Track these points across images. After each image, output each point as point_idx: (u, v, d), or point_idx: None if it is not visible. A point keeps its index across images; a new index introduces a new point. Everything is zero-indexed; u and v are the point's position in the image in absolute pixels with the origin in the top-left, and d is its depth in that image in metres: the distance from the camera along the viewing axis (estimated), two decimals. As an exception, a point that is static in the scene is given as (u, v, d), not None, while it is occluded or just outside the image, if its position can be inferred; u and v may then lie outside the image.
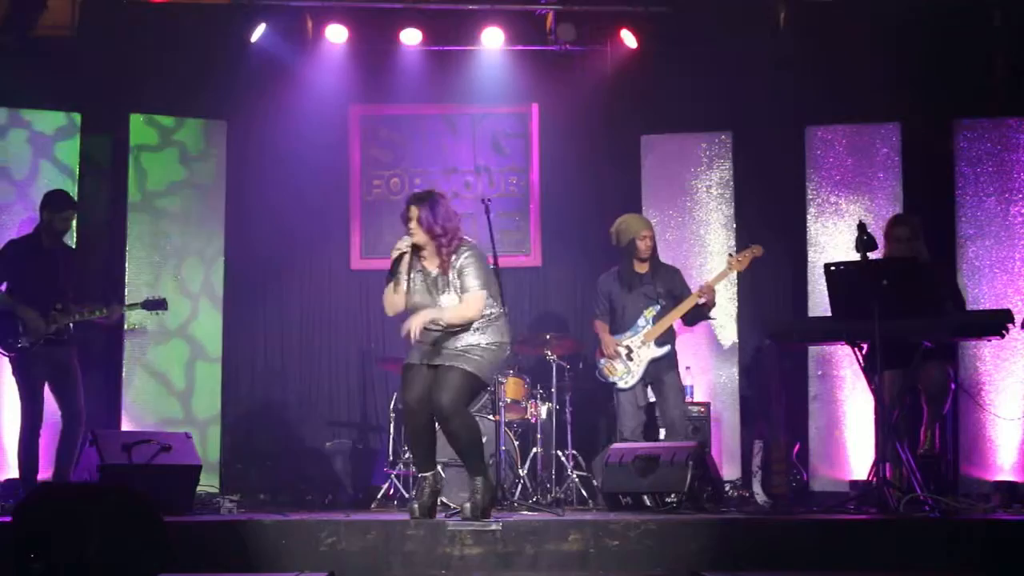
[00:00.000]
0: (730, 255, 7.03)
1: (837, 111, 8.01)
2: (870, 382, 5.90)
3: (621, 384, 6.82)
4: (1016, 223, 7.61)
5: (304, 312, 8.52)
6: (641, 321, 6.83)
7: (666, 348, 6.79)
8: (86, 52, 7.90)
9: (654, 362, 6.79)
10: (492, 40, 8.28)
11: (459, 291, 5.40)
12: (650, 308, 6.82)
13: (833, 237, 7.86)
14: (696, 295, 6.76)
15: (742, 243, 7.69)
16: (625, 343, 6.82)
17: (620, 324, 6.89)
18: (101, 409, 7.75)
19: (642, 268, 6.91)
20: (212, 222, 8.16)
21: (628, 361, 6.81)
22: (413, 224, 5.42)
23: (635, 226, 6.92)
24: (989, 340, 6.27)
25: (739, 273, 7.77)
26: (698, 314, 6.88)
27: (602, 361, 6.90)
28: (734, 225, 8.09)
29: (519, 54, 8.43)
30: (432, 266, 5.46)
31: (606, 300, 6.98)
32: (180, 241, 8.07)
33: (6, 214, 7.64)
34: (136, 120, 8.07)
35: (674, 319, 6.79)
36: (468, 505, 5.34)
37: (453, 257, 5.42)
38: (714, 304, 6.88)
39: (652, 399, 6.94)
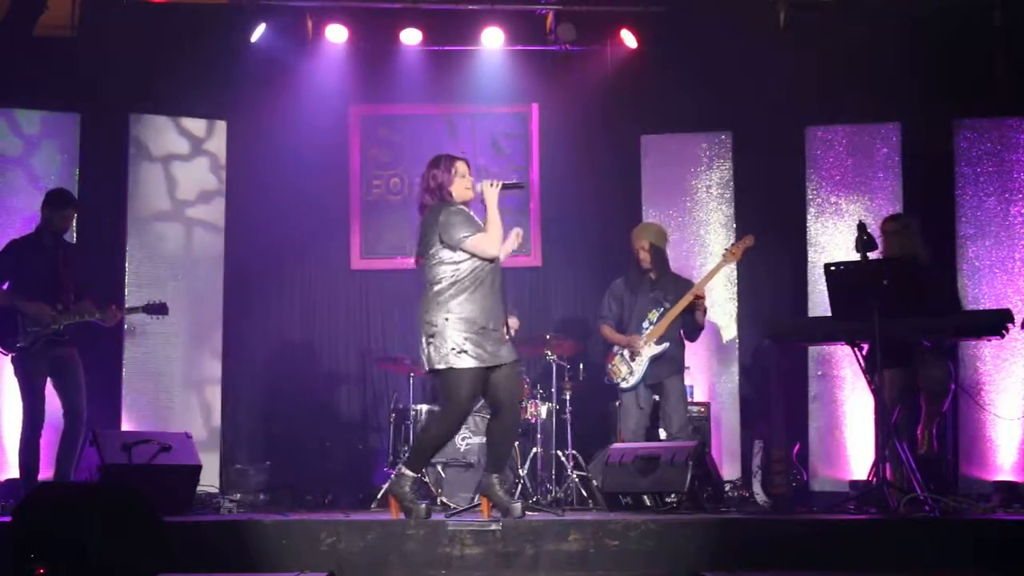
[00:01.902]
0: (726, 249, 7.06)
1: (837, 111, 8.01)
2: (870, 382, 5.90)
3: (623, 384, 6.84)
4: (1016, 223, 7.62)
5: (304, 312, 8.51)
6: (645, 323, 6.85)
7: (664, 345, 6.78)
8: (86, 52, 7.90)
9: (655, 362, 6.79)
10: (492, 40, 8.28)
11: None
12: (654, 311, 6.84)
13: (833, 237, 7.86)
14: (686, 296, 6.77)
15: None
16: (631, 343, 6.83)
17: (628, 327, 6.91)
18: (101, 409, 7.76)
19: (652, 274, 6.93)
20: (212, 223, 8.16)
21: (631, 362, 6.83)
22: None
23: (634, 236, 6.99)
24: (989, 340, 6.28)
25: (739, 273, 7.78)
26: (692, 322, 6.88)
27: (609, 365, 6.92)
28: (734, 225, 8.10)
29: (519, 54, 8.43)
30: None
31: (617, 304, 6.99)
32: (180, 243, 8.07)
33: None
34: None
35: (672, 318, 6.79)
36: (518, 505, 5.39)
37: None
38: (704, 309, 6.88)
39: (656, 398, 6.95)
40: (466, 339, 5.29)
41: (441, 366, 5.31)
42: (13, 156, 7.75)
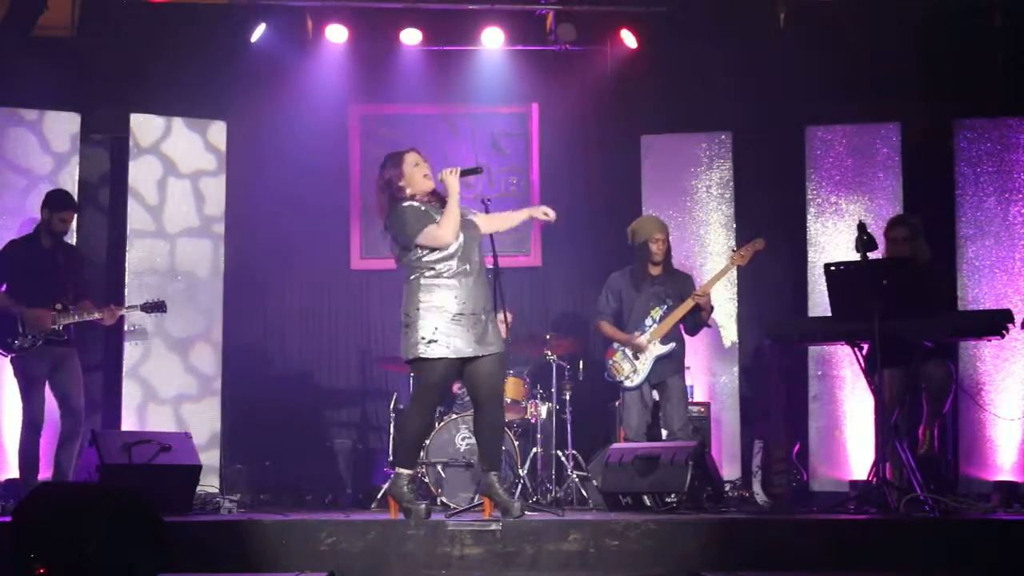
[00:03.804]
0: (732, 250, 7.06)
1: (837, 111, 8.01)
2: (870, 382, 5.91)
3: (627, 383, 6.84)
4: (1016, 223, 7.61)
5: (304, 312, 8.52)
6: (648, 320, 6.85)
7: (671, 346, 6.80)
8: (86, 52, 7.90)
9: (660, 361, 6.80)
10: (492, 40, 8.29)
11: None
12: (657, 308, 6.85)
13: (833, 237, 7.86)
14: (692, 297, 6.77)
15: (742, 243, 7.69)
16: (635, 341, 6.83)
17: (628, 323, 6.91)
18: (101, 409, 7.77)
19: (655, 270, 6.94)
20: (212, 223, 8.16)
21: (635, 360, 6.83)
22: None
23: (649, 228, 6.96)
24: (989, 340, 6.28)
25: (739, 273, 7.78)
26: (697, 320, 6.89)
27: (610, 361, 6.91)
28: (734, 225, 8.10)
29: (519, 54, 8.43)
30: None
31: (616, 299, 6.99)
32: (181, 242, 8.07)
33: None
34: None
35: (677, 318, 6.80)
36: (518, 504, 5.36)
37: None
38: (711, 308, 6.90)
39: (657, 398, 6.95)
40: (436, 329, 5.28)
41: (410, 356, 5.34)
42: (12, 156, 7.74)
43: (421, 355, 5.29)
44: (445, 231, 5.33)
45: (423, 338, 5.29)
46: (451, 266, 5.35)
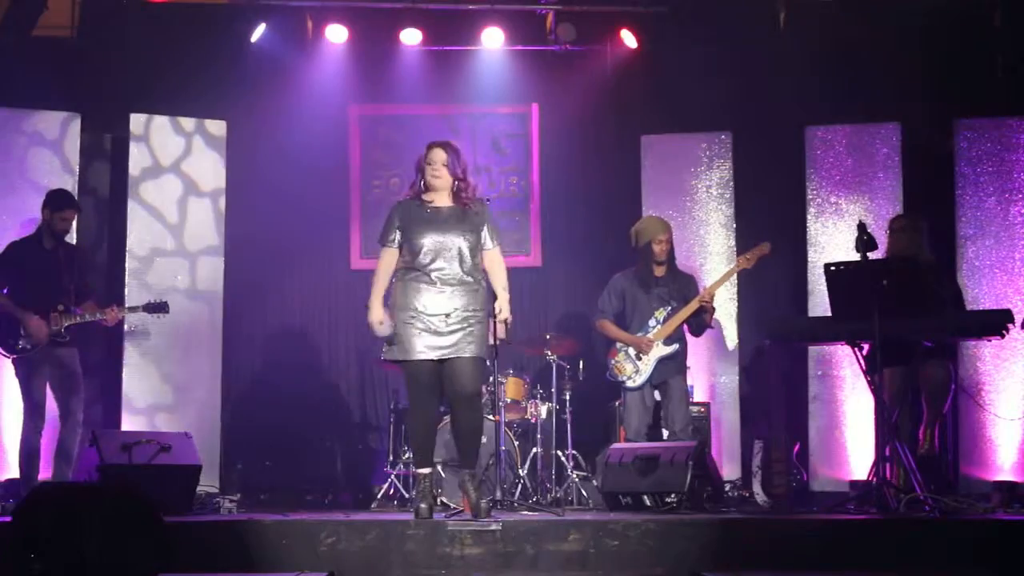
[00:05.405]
0: (738, 254, 7.06)
1: (837, 111, 8.01)
2: (870, 382, 5.91)
3: (629, 383, 6.84)
4: (1016, 223, 7.61)
5: (304, 312, 8.52)
6: (652, 321, 6.84)
7: (674, 347, 6.79)
8: (86, 52, 7.90)
9: (662, 362, 6.79)
10: (492, 40, 8.29)
11: (482, 242, 5.49)
12: (661, 309, 6.84)
13: (833, 237, 7.86)
14: (697, 299, 6.78)
15: (742, 243, 7.70)
16: (637, 341, 6.83)
17: (631, 324, 6.90)
18: (101, 409, 7.76)
19: (659, 271, 6.93)
20: (212, 223, 8.16)
21: (637, 361, 6.82)
22: (439, 166, 5.47)
23: (652, 229, 6.95)
24: (989, 340, 6.28)
25: (740, 274, 7.78)
26: (700, 321, 6.89)
27: (613, 361, 6.91)
28: (734, 225, 8.10)
29: (519, 54, 8.43)
30: (446, 202, 5.50)
31: (619, 299, 6.98)
32: (181, 241, 8.07)
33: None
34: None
35: (681, 319, 6.81)
36: (484, 503, 5.35)
37: (474, 204, 5.51)
38: (713, 309, 6.90)
39: (658, 398, 6.95)
40: (395, 330, 5.46)
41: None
42: (13, 156, 7.74)
43: (383, 356, 5.53)
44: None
45: (393, 342, 5.46)
46: (419, 269, 5.43)
